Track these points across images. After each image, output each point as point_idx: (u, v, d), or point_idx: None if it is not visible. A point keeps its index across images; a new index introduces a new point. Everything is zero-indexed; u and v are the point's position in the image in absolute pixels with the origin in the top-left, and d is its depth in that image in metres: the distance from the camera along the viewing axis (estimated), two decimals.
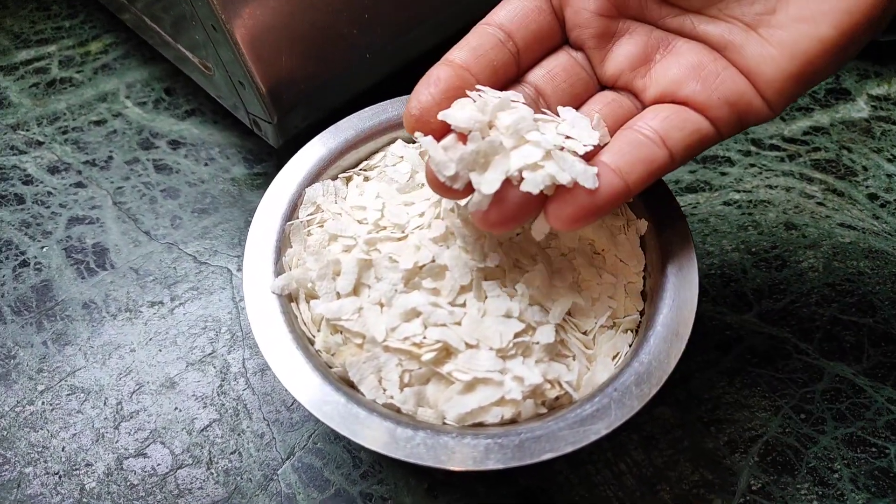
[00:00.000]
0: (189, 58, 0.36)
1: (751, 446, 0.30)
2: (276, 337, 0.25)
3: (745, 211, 0.37)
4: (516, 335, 0.24)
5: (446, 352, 0.24)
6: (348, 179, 0.30)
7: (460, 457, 0.22)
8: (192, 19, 0.32)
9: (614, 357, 0.25)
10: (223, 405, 0.31)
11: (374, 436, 0.23)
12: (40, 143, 0.40)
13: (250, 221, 0.27)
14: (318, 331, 0.26)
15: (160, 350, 0.33)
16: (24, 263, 0.36)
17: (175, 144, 0.40)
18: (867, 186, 0.38)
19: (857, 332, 0.33)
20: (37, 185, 0.39)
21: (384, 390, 0.24)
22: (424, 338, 0.24)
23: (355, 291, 0.25)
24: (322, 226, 0.28)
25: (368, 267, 0.25)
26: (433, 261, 0.25)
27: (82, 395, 0.32)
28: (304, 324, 0.26)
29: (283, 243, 0.27)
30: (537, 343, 0.24)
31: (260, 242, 0.27)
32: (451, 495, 0.29)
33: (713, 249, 0.36)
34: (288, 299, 0.26)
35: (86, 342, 0.33)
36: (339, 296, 0.25)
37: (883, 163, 0.39)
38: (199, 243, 0.36)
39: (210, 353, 0.33)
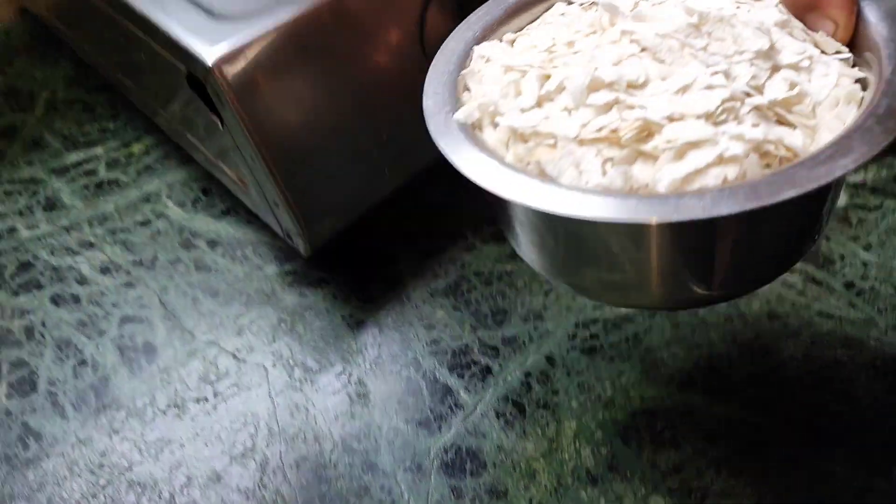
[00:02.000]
0: (228, 174, 0.41)
1: None
2: (466, 153, 0.24)
3: (731, 303, 0.41)
4: (724, 101, 0.22)
5: (648, 132, 0.22)
6: (512, 42, 0.29)
7: (686, 208, 0.19)
8: (234, 153, 0.37)
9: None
10: (263, 497, 0.35)
11: (587, 205, 0.20)
12: (92, 245, 0.45)
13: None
14: (507, 149, 0.24)
15: (206, 445, 0.37)
16: (83, 362, 0.40)
17: (212, 244, 0.45)
18: (844, 275, 0.42)
19: (836, 422, 0.36)
20: (91, 286, 0.43)
21: (587, 182, 0.22)
22: (623, 120, 0.22)
23: (539, 104, 0.24)
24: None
25: (548, 79, 0.24)
26: (620, 57, 0.23)
27: (139, 489, 0.35)
28: (492, 148, 0.25)
29: (457, 93, 0.27)
30: (750, 109, 0.22)
31: (437, 88, 0.26)
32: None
33: (701, 342, 0.39)
34: (471, 128, 0.25)
35: (140, 437, 0.37)
36: (523, 111, 0.24)
37: (859, 251, 0.43)
38: (237, 340, 0.40)
39: (251, 448, 0.36)
